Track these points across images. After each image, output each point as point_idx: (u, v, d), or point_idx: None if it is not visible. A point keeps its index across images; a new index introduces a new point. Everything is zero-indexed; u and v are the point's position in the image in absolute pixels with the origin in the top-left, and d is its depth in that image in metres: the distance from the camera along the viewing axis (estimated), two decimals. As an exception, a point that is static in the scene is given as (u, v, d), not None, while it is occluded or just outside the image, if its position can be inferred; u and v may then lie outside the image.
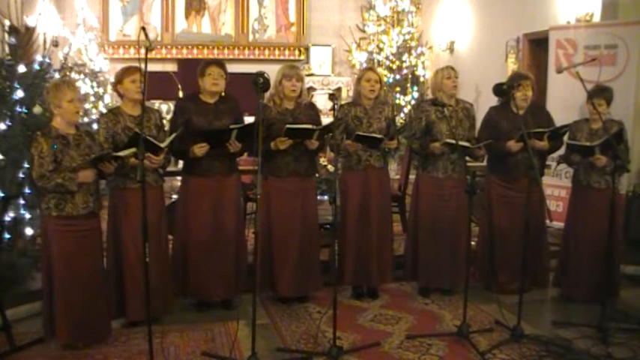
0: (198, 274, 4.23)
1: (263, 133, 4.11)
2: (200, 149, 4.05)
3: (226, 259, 4.24)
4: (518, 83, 4.50)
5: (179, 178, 5.62)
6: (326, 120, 4.56)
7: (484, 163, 4.97)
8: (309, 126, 4.21)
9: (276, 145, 4.20)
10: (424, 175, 4.66)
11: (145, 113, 3.97)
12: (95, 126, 5.89)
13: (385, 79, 8.90)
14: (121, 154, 3.63)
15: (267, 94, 4.36)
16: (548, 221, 4.67)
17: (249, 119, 4.39)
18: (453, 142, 4.30)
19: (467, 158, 4.70)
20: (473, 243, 4.76)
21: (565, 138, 4.66)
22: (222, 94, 4.29)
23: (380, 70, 8.97)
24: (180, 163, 4.69)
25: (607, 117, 4.44)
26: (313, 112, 4.47)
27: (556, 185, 6.06)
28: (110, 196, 4.01)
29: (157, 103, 8.30)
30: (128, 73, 3.90)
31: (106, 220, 4.00)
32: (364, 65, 8.89)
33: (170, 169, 4.50)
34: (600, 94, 4.42)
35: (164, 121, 4.35)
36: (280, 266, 4.37)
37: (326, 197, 5.41)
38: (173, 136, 3.97)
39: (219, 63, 4.27)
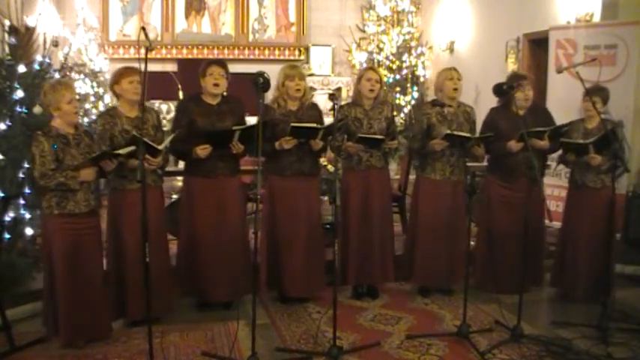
0: (203, 275, 4.24)
1: (267, 133, 4.13)
2: (203, 150, 4.04)
3: (231, 260, 4.24)
4: (518, 83, 4.50)
5: (179, 178, 5.64)
6: (328, 120, 4.57)
7: (484, 163, 4.97)
8: (314, 125, 4.22)
9: (281, 145, 4.20)
10: (423, 177, 4.67)
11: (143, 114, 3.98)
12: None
13: (385, 79, 8.90)
14: (120, 151, 3.63)
15: (270, 97, 4.37)
16: (547, 221, 4.67)
17: (250, 119, 4.39)
18: (456, 133, 4.31)
19: (466, 160, 4.70)
20: (472, 243, 4.76)
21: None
22: (225, 94, 4.29)
23: (380, 70, 8.97)
24: (180, 163, 4.69)
25: (604, 116, 4.45)
26: (316, 112, 4.47)
27: (556, 185, 6.06)
28: (109, 197, 4.00)
29: (156, 103, 8.31)
30: (126, 74, 3.88)
31: (105, 219, 4.01)
32: (364, 65, 8.88)
33: (170, 169, 4.49)
34: (596, 93, 4.43)
35: (162, 121, 4.34)
36: (286, 266, 4.38)
37: (326, 197, 5.41)
38: (170, 138, 3.95)
39: (221, 63, 4.25)
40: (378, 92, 4.54)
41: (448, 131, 4.37)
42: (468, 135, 4.43)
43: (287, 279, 4.40)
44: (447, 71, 4.61)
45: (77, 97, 3.98)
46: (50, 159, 3.52)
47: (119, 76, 3.91)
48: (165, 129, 4.41)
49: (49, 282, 3.67)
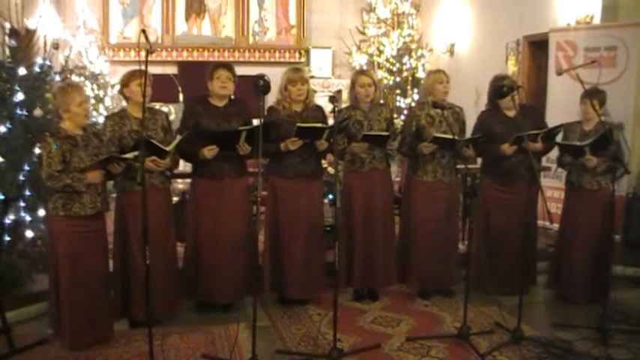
0: (207, 277, 4.24)
1: (272, 134, 4.14)
2: (210, 151, 4.06)
3: (236, 261, 4.25)
4: (517, 85, 4.51)
5: (180, 180, 5.65)
6: (331, 122, 4.57)
7: (476, 165, 4.97)
8: (320, 124, 4.22)
9: (287, 146, 4.21)
10: (415, 180, 4.67)
11: (152, 115, 4.03)
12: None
13: (385, 82, 8.91)
14: (127, 155, 3.65)
15: (274, 100, 4.39)
16: (548, 223, 4.67)
17: (256, 122, 4.39)
18: (443, 135, 4.32)
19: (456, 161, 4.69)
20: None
21: (558, 139, 4.66)
22: (232, 97, 4.31)
23: (380, 72, 8.98)
24: (182, 166, 4.68)
25: (603, 118, 4.45)
26: (320, 113, 4.50)
27: (556, 187, 6.06)
28: (117, 198, 4.04)
29: (157, 106, 8.30)
30: (135, 77, 3.92)
31: (111, 220, 4.02)
32: (364, 68, 8.88)
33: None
34: (594, 95, 4.43)
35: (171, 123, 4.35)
36: (287, 267, 4.39)
37: (327, 199, 5.40)
38: (179, 139, 3.98)
39: (228, 66, 4.29)
40: (373, 95, 4.55)
41: (437, 134, 4.38)
42: (454, 137, 4.42)
43: (287, 281, 4.40)
44: (437, 74, 4.62)
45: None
46: (57, 160, 3.53)
47: (128, 79, 3.95)
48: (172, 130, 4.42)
49: (53, 284, 3.68)
